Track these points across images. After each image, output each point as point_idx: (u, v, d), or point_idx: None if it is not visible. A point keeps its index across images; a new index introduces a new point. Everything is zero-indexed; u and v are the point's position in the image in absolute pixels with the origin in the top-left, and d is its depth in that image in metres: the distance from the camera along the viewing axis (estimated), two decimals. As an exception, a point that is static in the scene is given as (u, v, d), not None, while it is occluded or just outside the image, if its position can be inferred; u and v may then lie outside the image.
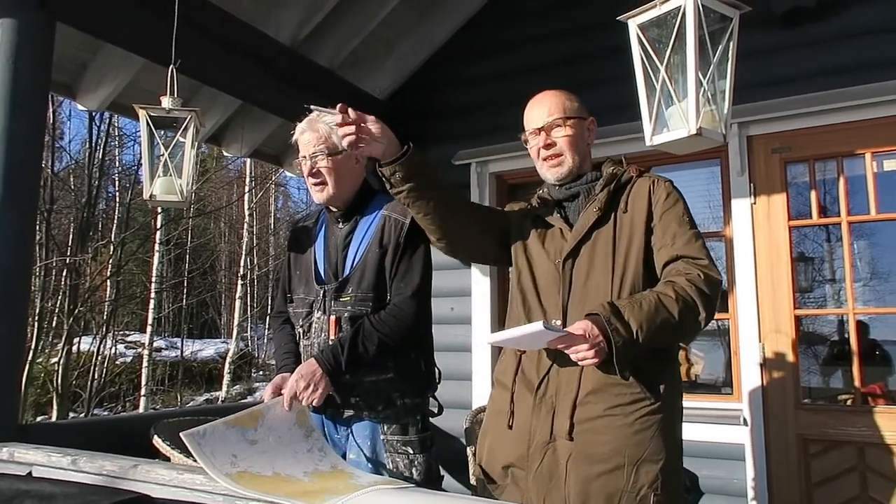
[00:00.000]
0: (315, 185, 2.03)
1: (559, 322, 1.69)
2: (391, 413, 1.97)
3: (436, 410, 2.13)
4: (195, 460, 1.60)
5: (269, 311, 20.32)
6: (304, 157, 2.04)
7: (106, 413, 11.78)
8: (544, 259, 1.79)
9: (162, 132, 2.43)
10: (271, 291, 20.89)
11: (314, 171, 2.02)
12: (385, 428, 1.97)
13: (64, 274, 10.33)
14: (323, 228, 2.16)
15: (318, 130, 2.02)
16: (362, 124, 1.65)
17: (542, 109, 1.82)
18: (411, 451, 1.96)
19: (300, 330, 2.08)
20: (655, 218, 1.71)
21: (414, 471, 1.95)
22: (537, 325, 1.46)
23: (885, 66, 3.13)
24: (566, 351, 1.53)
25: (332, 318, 1.97)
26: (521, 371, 1.77)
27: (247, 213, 15.95)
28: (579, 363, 1.53)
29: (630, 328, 1.50)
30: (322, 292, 2.01)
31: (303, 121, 2.07)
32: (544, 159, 1.83)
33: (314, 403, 1.81)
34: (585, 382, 1.62)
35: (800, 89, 3.29)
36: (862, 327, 3.34)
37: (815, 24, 3.31)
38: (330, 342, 1.94)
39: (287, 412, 1.72)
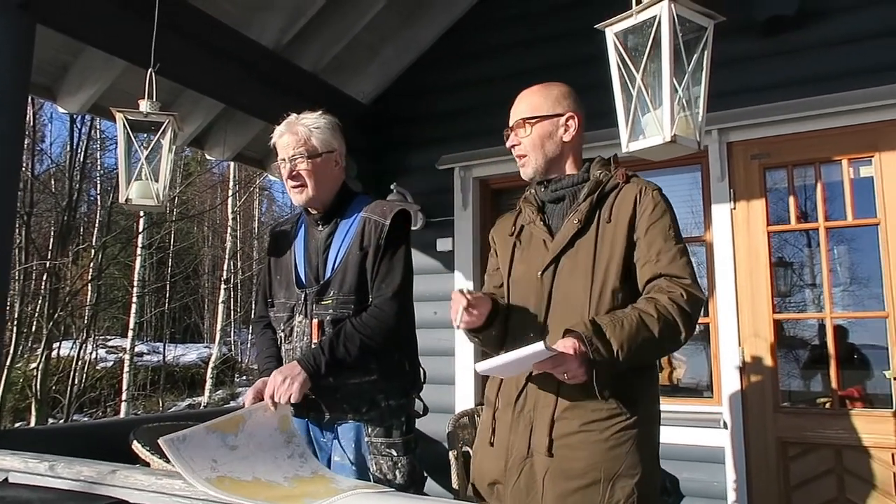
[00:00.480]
0: (294, 187, 2.02)
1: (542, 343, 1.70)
2: (375, 415, 1.96)
3: (421, 411, 2.12)
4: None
5: (252, 316, 20.17)
6: (283, 159, 2.02)
7: (86, 419, 11.63)
8: (526, 271, 1.78)
9: (140, 136, 2.42)
10: (254, 296, 20.73)
11: (293, 173, 2.01)
12: (369, 430, 1.96)
13: (44, 278, 10.22)
14: (302, 231, 2.14)
15: (298, 133, 2.00)
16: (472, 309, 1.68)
17: (515, 108, 1.83)
18: (395, 454, 1.96)
19: (282, 334, 2.07)
20: (640, 231, 1.66)
21: (397, 473, 1.94)
22: (538, 346, 1.45)
23: (862, 74, 3.19)
24: (554, 371, 1.53)
25: (315, 321, 1.97)
26: (502, 387, 1.77)
27: (230, 216, 15.86)
28: (567, 381, 1.54)
29: (611, 348, 1.50)
30: (303, 296, 2.00)
31: (281, 123, 2.06)
32: (515, 157, 1.85)
33: (292, 399, 1.78)
34: (562, 398, 1.62)
35: (779, 97, 3.34)
36: (840, 331, 3.39)
37: (795, 32, 3.37)
38: (313, 346, 1.94)
39: (269, 417, 1.70)
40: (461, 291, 1.67)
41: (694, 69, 1.55)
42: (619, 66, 1.63)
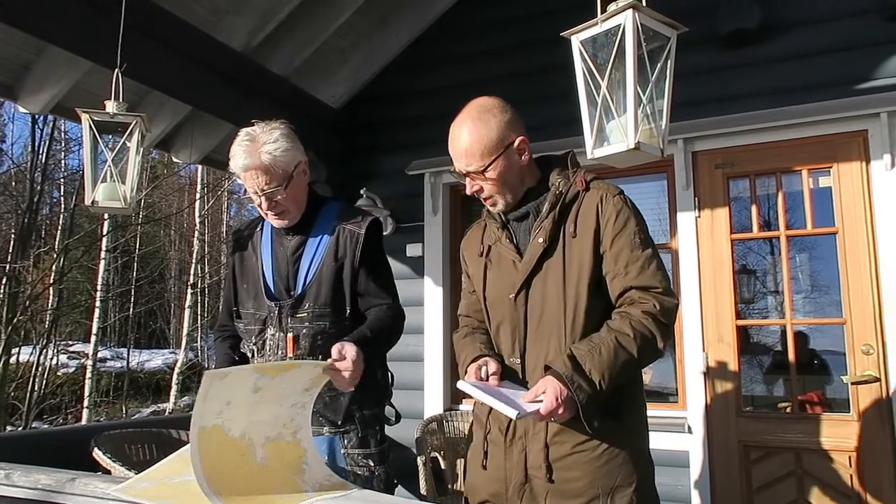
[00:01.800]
0: (277, 214, 1.94)
1: (517, 361, 1.72)
2: (351, 426, 1.94)
3: (393, 419, 2.11)
4: (137, 472, 1.57)
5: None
6: (257, 193, 1.91)
7: (46, 426, 11.34)
8: (499, 293, 1.78)
9: (106, 137, 2.37)
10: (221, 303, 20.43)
11: (273, 203, 1.92)
12: (345, 441, 1.94)
13: (3, 282, 9.95)
14: (268, 237, 2.07)
15: (264, 164, 1.87)
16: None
17: (459, 153, 1.70)
18: (372, 464, 1.95)
19: (253, 347, 2.00)
20: (605, 243, 1.64)
21: (375, 482, 1.93)
22: (512, 413, 1.48)
23: (821, 87, 3.29)
24: (542, 420, 1.57)
25: (290, 335, 1.92)
26: (493, 411, 1.76)
27: (198, 220, 15.65)
28: (556, 422, 1.58)
29: (593, 381, 1.51)
30: (277, 308, 1.95)
31: (237, 145, 1.91)
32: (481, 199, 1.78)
33: (347, 388, 1.72)
34: (552, 423, 1.63)
35: (742, 107, 3.42)
36: (800, 338, 3.47)
37: (757, 46, 3.45)
38: (288, 359, 1.90)
39: (315, 372, 1.58)
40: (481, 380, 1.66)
41: (657, 78, 1.58)
42: (584, 73, 1.65)
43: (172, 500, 1.36)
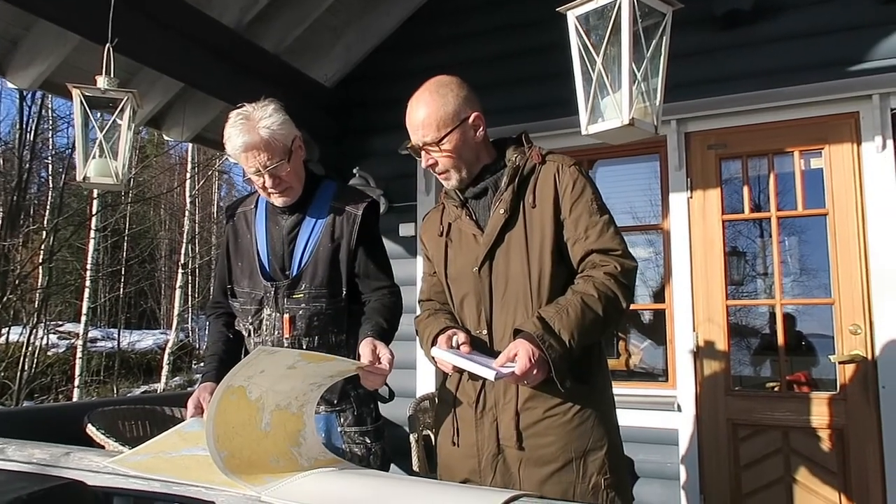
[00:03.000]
0: (281, 192, 1.91)
1: (485, 332, 1.73)
2: (347, 405, 1.95)
3: (387, 396, 2.13)
4: (131, 448, 1.58)
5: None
6: (258, 170, 1.87)
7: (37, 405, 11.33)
8: (462, 267, 1.79)
9: (97, 113, 2.34)
10: (213, 282, 20.41)
11: (277, 180, 1.89)
12: (342, 419, 1.95)
13: (-8, 260, 9.89)
14: (263, 215, 2.04)
15: (264, 140, 1.85)
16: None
17: (415, 125, 1.72)
18: (368, 441, 1.96)
19: (249, 327, 2.00)
20: (565, 210, 1.68)
21: (372, 459, 1.94)
22: (489, 374, 1.49)
23: (813, 68, 3.29)
24: (515, 383, 1.57)
25: (286, 316, 1.92)
26: (461, 386, 1.79)
27: (188, 200, 15.56)
28: (528, 385, 1.58)
29: (563, 340, 1.54)
30: (273, 289, 1.94)
31: (231, 126, 1.87)
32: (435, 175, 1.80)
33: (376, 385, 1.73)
34: (523, 390, 1.66)
35: (735, 88, 3.43)
36: (789, 318, 3.51)
37: (751, 26, 3.45)
38: (285, 339, 1.90)
39: (348, 367, 1.60)
40: (449, 347, 1.66)
41: (652, 55, 1.59)
42: (579, 49, 1.65)
43: (167, 472, 1.37)
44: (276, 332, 1.93)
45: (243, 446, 1.31)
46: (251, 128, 1.84)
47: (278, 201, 1.93)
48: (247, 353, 2.03)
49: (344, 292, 1.94)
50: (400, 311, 1.99)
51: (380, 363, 1.65)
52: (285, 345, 1.91)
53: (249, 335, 2.01)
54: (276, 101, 1.93)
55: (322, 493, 1.24)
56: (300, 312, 1.91)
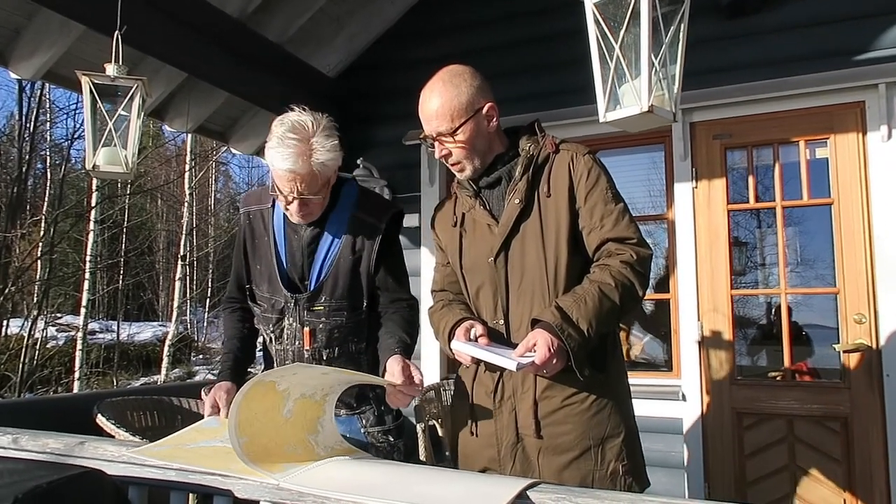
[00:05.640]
0: (302, 215, 1.83)
1: (502, 322, 1.73)
2: (366, 406, 1.96)
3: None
4: (141, 438, 1.59)
5: (209, 294, 19.87)
6: (293, 193, 1.76)
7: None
8: (477, 258, 1.79)
9: (105, 101, 2.33)
10: (211, 274, 20.43)
11: (303, 206, 1.80)
12: (363, 421, 1.95)
13: (-8, 252, 9.87)
14: (281, 219, 1.96)
15: (312, 173, 1.74)
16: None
17: (429, 115, 1.70)
18: (392, 439, 1.97)
19: (271, 334, 1.97)
20: (580, 200, 1.68)
21: (395, 455, 1.95)
22: (511, 364, 1.49)
23: (819, 58, 3.29)
24: (536, 373, 1.58)
25: (307, 329, 1.89)
26: (478, 377, 1.79)
27: (187, 192, 15.51)
28: (547, 376, 1.59)
29: (581, 329, 1.54)
30: (293, 301, 1.90)
31: (280, 144, 1.72)
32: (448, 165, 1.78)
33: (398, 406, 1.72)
34: (541, 379, 1.66)
35: (741, 78, 3.42)
36: (793, 308, 3.52)
37: (757, 16, 3.44)
38: (305, 351, 1.89)
39: (378, 381, 1.67)
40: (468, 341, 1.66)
41: (671, 41, 1.58)
42: (597, 36, 1.64)
43: (185, 460, 1.38)
44: (297, 343, 1.91)
45: (262, 432, 1.32)
46: (305, 155, 1.72)
47: (295, 219, 1.86)
48: (267, 354, 2.04)
49: (364, 304, 1.92)
50: (418, 325, 1.98)
51: (412, 383, 1.63)
52: (305, 356, 1.90)
53: (271, 342, 1.99)
54: (330, 118, 1.83)
55: (343, 480, 1.25)
56: (320, 326, 1.89)
